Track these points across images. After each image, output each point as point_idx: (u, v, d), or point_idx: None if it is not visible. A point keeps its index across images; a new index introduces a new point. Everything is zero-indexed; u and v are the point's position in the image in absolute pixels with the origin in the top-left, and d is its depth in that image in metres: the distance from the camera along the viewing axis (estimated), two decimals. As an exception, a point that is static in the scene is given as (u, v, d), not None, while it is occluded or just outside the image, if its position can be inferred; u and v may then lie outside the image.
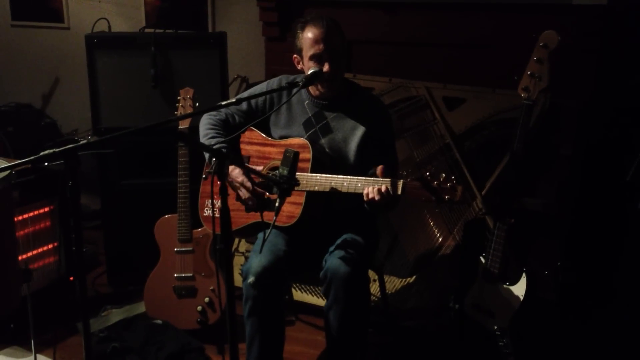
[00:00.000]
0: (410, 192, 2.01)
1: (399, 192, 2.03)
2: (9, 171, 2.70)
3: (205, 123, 2.48)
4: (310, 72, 2.26)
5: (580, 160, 3.03)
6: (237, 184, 2.32)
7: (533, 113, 2.41)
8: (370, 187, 2.07)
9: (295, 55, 2.38)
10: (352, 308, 2.25)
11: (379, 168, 2.05)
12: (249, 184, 2.27)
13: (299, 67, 2.39)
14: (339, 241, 2.32)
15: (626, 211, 2.68)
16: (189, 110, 2.77)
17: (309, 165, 2.26)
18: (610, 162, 2.92)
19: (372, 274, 2.77)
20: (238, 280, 2.44)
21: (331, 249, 2.31)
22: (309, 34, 2.28)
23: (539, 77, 2.27)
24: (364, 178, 2.13)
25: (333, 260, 2.23)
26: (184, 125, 2.77)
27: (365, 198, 2.08)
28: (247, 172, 2.24)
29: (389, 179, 2.05)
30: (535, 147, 2.80)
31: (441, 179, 1.97)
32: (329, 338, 2.37)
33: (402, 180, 2.02)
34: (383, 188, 2.03)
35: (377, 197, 2.04)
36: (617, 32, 2.96)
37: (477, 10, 3.12)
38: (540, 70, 2.26)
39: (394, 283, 3.04)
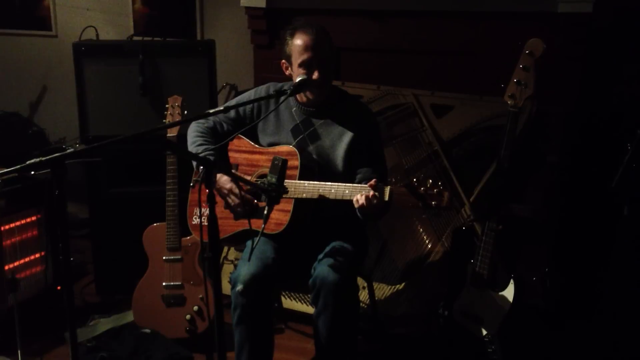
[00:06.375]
0: (397, 198, 2.02)
1: (386, 198, 2.04)
2: (-5, 180, 2.70)
3: (193, 131, 2.48)
4: (298, 79, 2.26)
5: (566, 167, 3.06)
6: (226, 191, 2.32)
7: (519, 120, 2.43)
8: (358, 194, 2.07)
9: (283, 61, 2.38)
10: (340, 315, 2.24)
11: (372, 181, 2.05)
12: (237, 191, 2.28)
13: (287, 72, 2.39)
14: (327, 249, 2.32)
15: (613, 217, 2.70)
16: (178, 118, 2.77)
17: (297, 172, 2.26)
18: (596, 168, 2.95)
19: (361, 281, 2.76)
20: (227, 288, 2.43)
21: (320, 256, 2.31)
22: (298, 40, 2.28)
23: (525, 85, 2.29)
24: (351, 185, 2.14)
25: (322, 268, 2.23)
26: (172, 133, 2.76)
27: (355, 205, 2.08)
28: (235, 179, 2.24)
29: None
30: (522, 154, 2.82)
31: (428, 185, 1.98)
32: (318, 346, 2.36)
33: (389, 187, 2.02)
34: (370, 194, 2.03)
35: (365, 204, 2.04)
36: (601, 39, 2.99)
37: (464, 18, 3.15)
38: (526, 78, 2.29)
39: (383, 290, 3.04)
